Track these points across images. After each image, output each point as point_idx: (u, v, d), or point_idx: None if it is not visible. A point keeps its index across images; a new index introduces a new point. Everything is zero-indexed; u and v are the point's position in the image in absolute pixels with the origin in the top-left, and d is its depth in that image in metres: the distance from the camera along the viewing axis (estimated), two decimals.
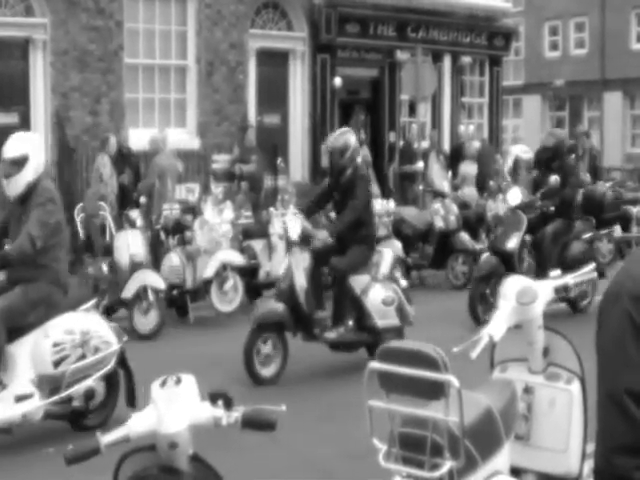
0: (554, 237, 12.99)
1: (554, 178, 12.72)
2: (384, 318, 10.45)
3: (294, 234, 10.34)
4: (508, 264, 12.57)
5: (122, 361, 8.35)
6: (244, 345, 9.85)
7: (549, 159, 13.27)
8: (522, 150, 21.21)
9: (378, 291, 10.50)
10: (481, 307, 12.43)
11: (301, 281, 10.23)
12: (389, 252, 11.25)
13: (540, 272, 12.46)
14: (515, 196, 13.14)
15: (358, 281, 10.49)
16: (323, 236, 10.42)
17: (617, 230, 16.50)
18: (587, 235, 13.86)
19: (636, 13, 39.82)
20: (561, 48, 43.27)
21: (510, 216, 13.17)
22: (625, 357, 2.50)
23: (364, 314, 10.43)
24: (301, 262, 10.32)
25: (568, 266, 12.14)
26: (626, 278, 2.59)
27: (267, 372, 10.00)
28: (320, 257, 10.51)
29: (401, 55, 22.80)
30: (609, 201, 15.35)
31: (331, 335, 10.32)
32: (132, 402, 8.12)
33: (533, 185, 13.62)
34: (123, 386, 8.36)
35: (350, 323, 10.44)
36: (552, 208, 12.91)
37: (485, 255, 13.36)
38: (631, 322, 2.49)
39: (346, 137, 10.69)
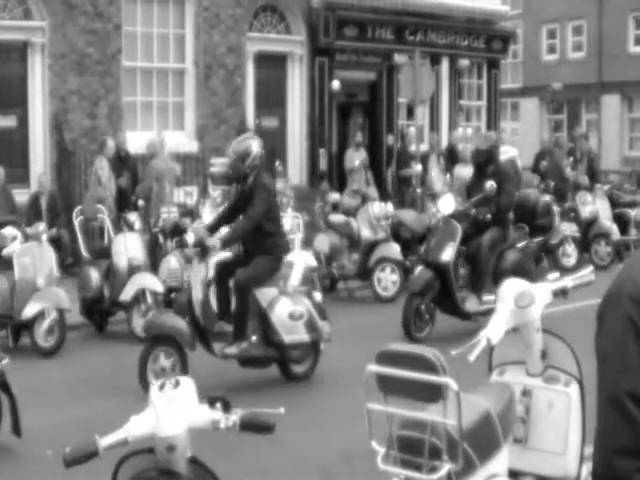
0: (491, 247, 12.34)
1: (490, 184, 12.05)
2: (291, 333, 9.86)
3: (191, 243, 9.85)
4: (443, 277, 11.89)
5: (3, 385, 7.66)
6: (139, 357, 9.48)
7: (483, 163, 12.63)
8: (500, 151, 21.24)
9: (285, 305, 9.91)
10: (415, 324, 11.70)
11: (197, 294, 9.77)
12: (300, 263, 10.77)
13: (476, 284, 12.28)
14: (448, 204, 12.37)
15: (265, 294, 9.95)
16: (212, 244, 9.73)
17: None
18: (522, 243, 12.97)
19: (634, 16, 39.83)
20: (559, 51, 43.28)
21: (443, 226, 12.31)
22: (626, 360, 2.50)
23: (270, 329, 9.86)
24: (199, 274, 9.87)
25: (503, 276, 11.79)
26: (626, 280, 2.59)
27: None
28: (225, 269, 10.10)
29: (399, 58, 22.82)
30: (541, 207, 14.78)
31: (231, 350, 9.80)
32: (17, 429, 7.57)
33: (466, 191, 12.97)
34: (7, 412, 7.69)
35: (254, 338, 9.88)
36: (489, 216, 12.20)
37: (418, 268, 12.46)
38: (632, 325, 2.49)
39: (248, 143, 10.15)
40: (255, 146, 10.07)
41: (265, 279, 9.98)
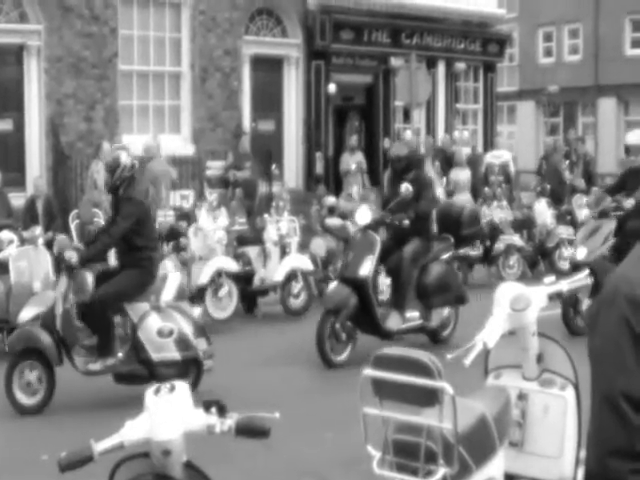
0: (413, 260, 11.45)
1: (404, 187, 11.32)
2: (160, 351, 9.33)
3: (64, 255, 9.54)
4: (361, 293, 10.92)
5: None
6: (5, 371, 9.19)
7: (403, 170, 11.78)
8: (495, 156, 21.28)
9: (154, 321, 9.39)
10: (330, 344, 10.74)
11: (58, 307, 9.42)
12: (176, 277, 10.19)
13: (398, 300, 11.45)
14: (364, 215, 11.53)
15: (136, 309, 9.48)
16: (68, 257, 9.38)
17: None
18: (446, 255, 12.05)
19: (630, 19, 39.89)
20: (555, 54, 43.34)
21: (361, 238, 11.40)
22: (621, 361, 2.50)
23: (138, 345, 9.36)
24: (60, 287, 9.64)
25: (427, 291, 11.51)
26: (622, 281, 2.59)
27: (29, 401, 9.12)
28: (101, 281, 9.75)
29: (395, 61, 22.84)
30: (467, 216, 13.87)
31: (95, 367, 9.32)
32: None
33: (384, 201, 12.33)
34: None
35: (120, 354, 9.42)
36: (406, 222, 11.35)
37: (333, 284, 11.45)
38: (627, 326, 2.49)
39: (117, 154, 9.75)
40: (124, 157, 9.67)
41: (131, 293, 9.49)
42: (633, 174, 12.71)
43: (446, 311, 11.83)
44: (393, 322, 11.24)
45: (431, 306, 11.58)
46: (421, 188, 11.56)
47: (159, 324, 9.37)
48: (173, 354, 9.36)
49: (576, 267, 11.72)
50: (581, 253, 12.24)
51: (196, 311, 9.96)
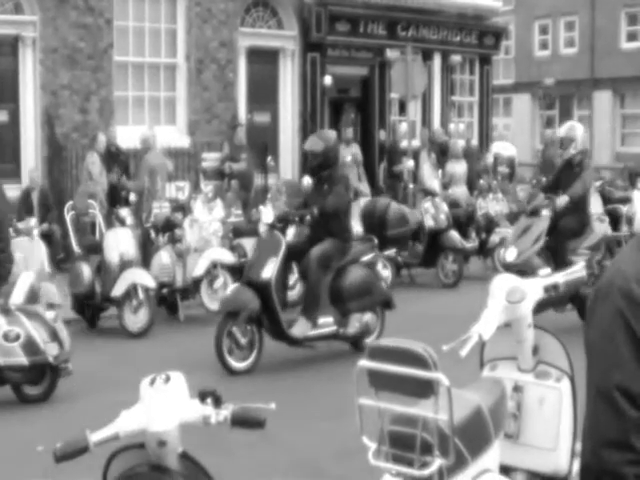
0: (322, 261, 10.61)
1: (305, 179, 10.96)
2: (6, 355, 9.01)
3: None
4: (264, 296, 10.31)
5: None
6: None
7: (319, 166, 10.93)
8: (502, 147, 21.32)
9: (0, 325, 9.09)
10: (228, 348, 10.18)
11: None
12: (26, 279, 9.90)
13: (305, 305, 10.76)
14: (268, 213, 11.05)
15: None
16: None
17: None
18: (367, 257, 11.25)
19: (626, 12, 39.91)
20: (551, 47, 43.35)
21: (266, 238, 10.86)
22: (616, 354, 2.51)
23: None
24: None
25: (342, 296, 10.71)
26: (616, 275, 2.59)
27: None
28: None
29: (391, 54, 22.81)
30: (394, 216, 13.28)
31: None
32: None
33: (304, 200, 11.58)
34: None
35: None
36: (308, 217, 10.69)
37: (235, 286, 10.94)
38: (622, 319, 2.50)
39: None
40: None
41: None
42: (567, 169, 12.21)
43: (367, 317, 10.96)
44: (299, 329, 10.53)
45: (347, 312, 10.77)
46: (332, 184, 10.75)
47: (5, 328, 9.08)
48: (20, 359, 9.08)
49: (507, 269, 11.28)
50: (511, 254, 11.69)
51: (50, 314, 9.52)
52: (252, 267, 10.62)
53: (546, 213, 11.98)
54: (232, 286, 11.23)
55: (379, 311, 11.23)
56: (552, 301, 11.16)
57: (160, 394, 3.36)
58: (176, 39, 20.41)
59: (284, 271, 10.79)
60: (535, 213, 12.05)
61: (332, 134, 11.26)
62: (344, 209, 10.93)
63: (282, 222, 10.93)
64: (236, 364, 10.17)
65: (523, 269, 11.04)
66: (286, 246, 10.67)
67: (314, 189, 11.19)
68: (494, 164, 20.39)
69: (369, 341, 10.70)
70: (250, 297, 10.25)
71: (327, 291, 10.76)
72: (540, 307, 11.14)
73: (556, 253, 11.86)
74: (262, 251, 10.69)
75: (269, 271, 10.37)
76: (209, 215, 13.77)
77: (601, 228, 12.80)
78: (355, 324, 10.83)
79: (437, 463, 4.27)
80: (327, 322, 10.73)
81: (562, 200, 11.81)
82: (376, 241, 11.74)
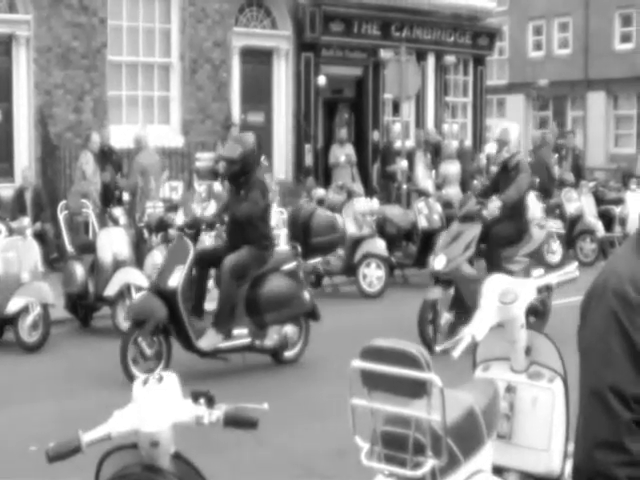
0: (235, 270, 10.12)
1: (216, 185, 10.70)
2: None
3: None
4: (171, 305, 9.82)
5: None
6: None
7: (238, 173, 10.40)
8: (495, 147, 21.30)
9: None
10: (133, 359, 9.74)
11: None
12: None
13: (216, 315, 10.27)
14: (179, 217, 10.74)
15: None
16: None
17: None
18: (289, 266, 10.63)
19: (619, 13, 39.95)
20: (545, 48, 43.38)
21: (175, 244, 10.48)
22: (609, 354, 2.51)
23: None
24: None
25: (260, 307, 10.22)
26: (610, 275, 2.60)
27: None
28: None
29: (385, 54, 22.81)
30: (320, 223, 12.72)
31: None
32: None
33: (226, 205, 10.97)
34: None
35: None
36: (217, 225, 10.53)
37: (143, 293, 10.52)
38: (615, 319, 2.51)
39: None
40: None
41: None
42: (503, 173, 11.56)
43: (288, 329, 10.45)
44: (207, 340, 10.03)
45: (264, 323, 10.29)
46: (249, 190, 10.23)
47: None
48: None
49: (437, 278, 11.12)
50: (440, 262, 11.03)
51: None
52: (160, 275, 10.12)
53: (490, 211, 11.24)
54: (139, 294, 10.73)
55: (303, 322, 10.66)
56: None
57: (153, 394, 3.35)
58: (170, 39, 20.40)
59: (201, 278, 10.44)
60: (467, 219, 11.33)
61: (250, 138, 10.64)
62: (259, 216, 10.31)
63: (193, 228, 10.54)
64: (137, 370, 9.62)
65: (452, 278, 10.96)
66: (198, 252, 10.36)
67: (232, 195, 10.68)
68: (487, 164, 20.40)
69: (290, 354, 10.60)
70: (157, 306, 9.77)
71: (243, 301, 10.26)
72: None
73: (490, 261, 11.32)
74: (170, 258, 10.22)
75: (176, 279, 9.87)
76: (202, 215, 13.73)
77: (540, 235, 12.07)
78: (273, 336, 10.34)
79: (430, 463, 4.27)
80: (242, 334, 10.21)
81: (494, 205, 11.06)
82: (299, 249, 11.37)
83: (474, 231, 11.16)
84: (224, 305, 10.16)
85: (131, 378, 9.33)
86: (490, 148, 21.34)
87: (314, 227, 12.55)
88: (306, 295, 10.67)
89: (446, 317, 10.84)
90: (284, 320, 10.38)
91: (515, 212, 11.32)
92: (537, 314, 11.03)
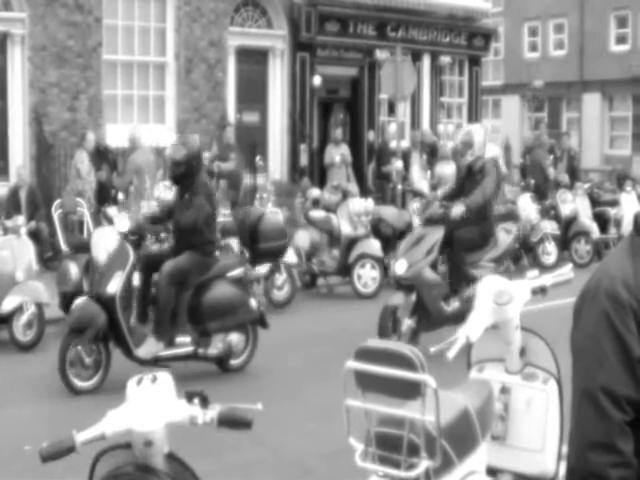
0: (175, 276, 9.84)
1: (156, 192, 10.31)
2: None
3: None
4: (110, 312, 9.53)
5: None
6: None
7: (183, 176, 10.08)
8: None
9: None
10: (71, 366, 9.40)
11: None
12: None
13: (158, 323, 9.89)
14: (122, 223, 10.28)
15: None
16: None
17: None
18: (235, 272, 10.36)
19: (615, 15, 39.98)
20: (540, 49, 43.42)
21: (116, 250, 10.02)
22: (601, 355, 2.52)
23: None
24: None
25: (203, 315, 9.93)
26: (603, 276, 2.61)
27: None
28: None
29: (380, 54, 22.80)
30: (268, 228, 12.32)
31: None
32: None
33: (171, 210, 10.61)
34: None
35: None
36: (162, 235, 10.33)
37: (82, 300, 10.16)
38: (607, 320, 2.51)
39: None
40: None
41: None
42: (469, 176, 11.27)
43: (233, 337, 10.14)
44: (146, 349, 9.75)
45: (208, 331, 10.02)
46: (193, 195, 9.98)
47: None
48: None
49: (399, 283, 10.85)
50: (400, 267, 10.69)
51: None
52: (99, 281, 9.76)
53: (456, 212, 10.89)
54: (79, 300, 10.39)
55: (250, 330, 10.35)
56: (453, 317, 10.62)
57: (147, 394, 3.35)
58: (165, 38, 20.39)
59: (145, 283, 10.16)
60: (430, 222, 11.03)
61: (195, 140, 10.51)
62: (204, 222, 10.01)
63: (136, 234, 10.36)
64: (80, 383, 9.43)
65: (413, 283, 10.64)
66: (143, 257, 10.21)
67: (177, 199, 10.38)
68: None
69: (236, 363, 10.31)
70: (96, 313, 9.48)
71: (186, 308, 9.95)
72: (439, 324, 10.68)
73: (454, 266, 11.11)
74: (110, 264, 9.86)
75: (114, 285, 9.59)
76: None
77: (506, 239, 11.66)
78: (218, 344, 10.04)
79: (424, 465, 4.27)
80: (184, 342, 9.94)
81: (457, 210, 10.75)
82: (247, 254, 11.12)
83: (437, 235, 10.86)
84: (163, 312, 9.84)
85: (70, 387, 9.35)
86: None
87: (262, 232, 12.08)
88: (253, 302, 10.32)
89: (407, 323, 10.55)
90: (229, 328, 10.06)
91: (480, 216, 11.02)
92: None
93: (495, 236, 11.43)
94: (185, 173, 10.02)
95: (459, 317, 10.47)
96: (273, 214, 13.89)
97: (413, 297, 10.74)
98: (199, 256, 10.01)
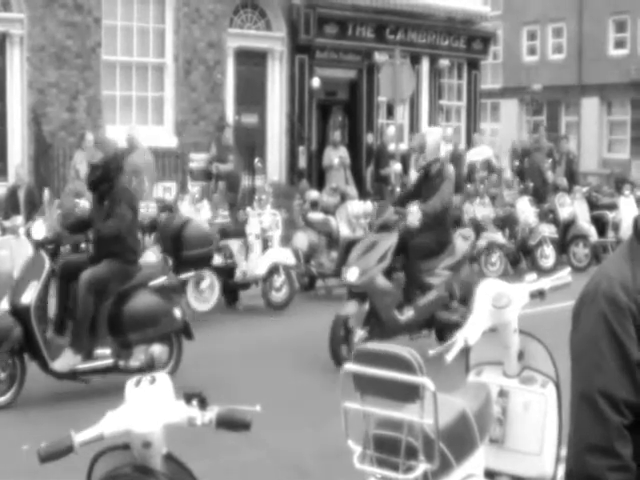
0: (93, 285, 9.31)
1: (74, 202, 9.87)
2: None
3: None
4: (25, 323, 9.06)
5: None
6: None
7: (99, 180, 9.56)
8: (475, 153, 21.35)
9: None
10: None
11: None
12: None
13: (76, 335, 9.37)
14: (38, 230, 9.84)
15: None
16: None
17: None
18: (158, 281, 9.87)
19: (613, 19, 40.01)
20: (539, 53, 43.43)
21: (31, 260, 9.68)
22: (599, 358, 2.52)
23: None
24: None
25: (124, 326, 9.49)
26: (602, 279, 2.61)
27: None
28: None
29: (379, 57, 22.82)
30: (192, 234, 11.79)
31: None
32: None
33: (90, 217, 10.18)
34: None
35: None
36: (82, 245, 9.61)
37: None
38: (606, 323, 2.52)
39: None
40: None
41: None
42: (425, 180, 10.99)
43: (155, 348, 10.02)
44: (62, 362, 9.24)
45: (128, 343, 9.50)
46: (113, 202, 9.49)
47: None
48: None
49: (351, 292, 10.55)
50: (352, 274, 10.33)
51: None
52: (14, 291, 9.30)
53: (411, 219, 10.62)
54: None
55: (175, 341, 9.87)
56: (407, 326, 10.47)
57: (145, 395, 3.35)
58: (164, 39, 20.38)
59: (62, 293, 9.61)
60: (383, 228, 10.69)
61: (113, 143, 10.01)
62: (126, 230, 9.54)
63: (52, 243, 9.77)
64: None
65: (366, 290, 10.30)
66: (61, 265, 9.68)
67: (95, 204, 9.85)
68: (469, 173, 20.43)
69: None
70: (11, 325, 9.00)
71: (106, 319, 9.46)
72: (392, 333, 10.43)
73: (409, 273, 10.78)
74: (25, 274, 9.45)
75: (29, 296, 9.10)
76: (196, 216, 13.73)
77: (463, 246, 11.36)
78: (139, 356, 9.21)
79: (422, 468, 4.27)
80: (104, 354, 9.42)
81: (414, 216, 10.50)
82: (171, 262, 10.67)
83: (390, 241, 10.52)
84: (81, 323, 9.33)
85: None
86: (470, 156, 21.37)
87: (186, 239, 11.68)
88: (177, 312, 9.84)
89: (359, 334, 10.18)
90: (151, 339, 9.31)
91: (437, 222, 10.72)
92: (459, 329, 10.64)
93: (452, 243, 11.12)
94: (103, 177, 9.53)
95: (413, 327, 10.56)
96: (197, 220, 13.22)
97: (366, 306, 10.36)
98: (120, 264, 9.54)
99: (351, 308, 10.38)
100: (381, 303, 10.36)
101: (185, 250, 11.61)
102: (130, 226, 9.64)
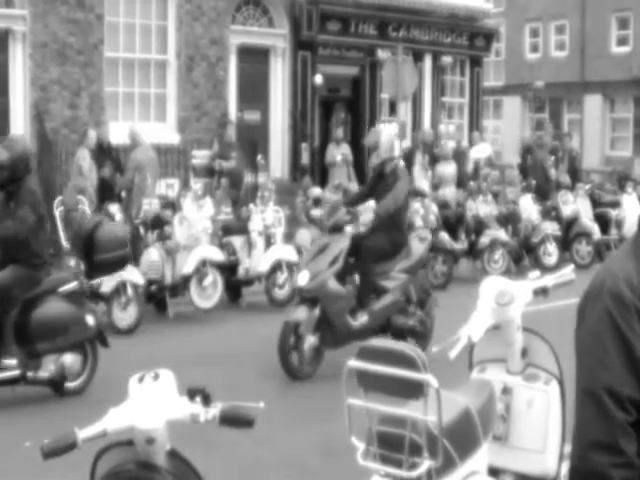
0: (5, 291, 8.86)
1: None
2: None
3: None
4: None
5: None
6: None
7: (7, 181, 9.03)
8: (478, 150, 21.36)
9: None
10: None
11: None
12: None
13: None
14: None
15: None
16: None
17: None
18: (68, 287, 9.28)
19: (616, 17, 39.97)
20: (541, 50, 43.40)
21: None
22: (604, 355, 2.52)
23: None
24: None
25: (31, 335, 8.94)
26: (607, 276, 2.61)
27: None
28: None
29: (382, 54, 22.83)
30: (104, 237, 11.11)
31: None
32: None
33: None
34: None
35: None
36: None
37: None
38: (610, 320, 2.51)
39: None
40: None
41: None
42: (379, 180, 10.78)
43: (67, 358, 9.09)
44: None
45: (37, 352, 8.98)
46: (18, 204, 8.95)
47: None
48: None
49: (301, 296, 10.25)
50: (303, 278, 9.99)
51: None
52: None
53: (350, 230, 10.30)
54: None
55: (88, 349, 9.38)
56: (360, 332, 9.94)
57: (149, 391, 3.35)
58: (167, 36, 20.38)
59: None
60: (336, 230, 10.31)
61: (21, 142, 9.65)
62: (28, 234, 8.96)
63: None
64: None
65: (317, 295, 9.95)
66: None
67: (2, 206, 9.14)
68: (475, 169, 20.46)
69: (73, 385, 9.28)
70: None
71: (11, 328, 8.92)
72: (345, 339, 10.15)
73: (363, 277, 10.44)
74: None
75: None
76: (199, 212, 13.73)
77: (420, 248, 10.99)
78: (49, 366, 9.01)
79: (426, 464, 4.26)
80: (10, 365, 8.90)
81: (366, 217, 10.29)
82: (82, 267, 10.46)
83: (342, 243, 10.15)
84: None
85: None
86: (474, 153, 21.37)
87: (99, 242, 10.99)
88: (89, 319, 9.27)
89: (310, 341, 9.88)
90: (61, 348, 9.03)
91: (391, 223, 10.46)
92: (415, 334, 10.49)
93: (408, 245, 10.81)
94: (10, 178, 8.99)
95: (367, 332, 9.96)
96: (112, 223, 12.55)
97: (317, 311, 9.98)
98: (24, 270, 8.98)
99: (301, 313, 9.97)
100: (333, 308, 9.98)
101: (97, 254, 10.99)
102: (34, 229, 9.02)
